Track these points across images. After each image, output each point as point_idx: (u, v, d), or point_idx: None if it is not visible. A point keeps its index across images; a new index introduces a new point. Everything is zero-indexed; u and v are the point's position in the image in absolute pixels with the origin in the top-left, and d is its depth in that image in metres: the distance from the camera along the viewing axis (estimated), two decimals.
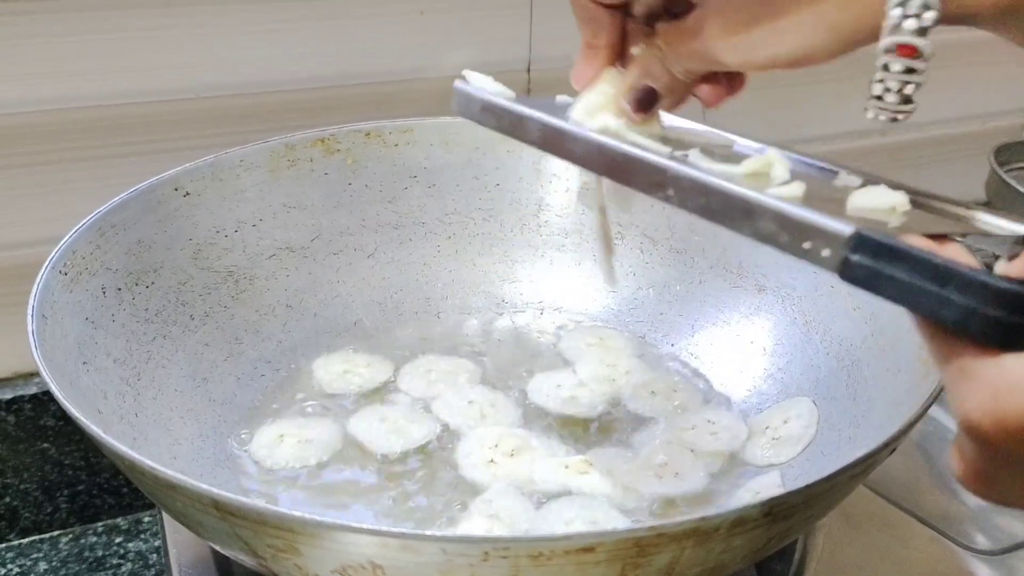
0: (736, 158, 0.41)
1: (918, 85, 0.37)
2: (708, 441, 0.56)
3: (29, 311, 0.47)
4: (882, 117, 0.38)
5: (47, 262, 0.50)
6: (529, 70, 0.75)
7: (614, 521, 0.50)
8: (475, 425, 0.57)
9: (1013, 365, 0.28)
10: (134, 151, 0.65)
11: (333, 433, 0.56)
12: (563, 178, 0.69)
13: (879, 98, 0.37)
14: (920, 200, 0.38)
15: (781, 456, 0.54)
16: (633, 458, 0.55)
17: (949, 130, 0.95)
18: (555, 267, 0.69)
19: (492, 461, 0.53)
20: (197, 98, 0.66)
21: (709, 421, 0.58)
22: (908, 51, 0.36)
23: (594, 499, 0.51)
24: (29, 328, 0.46)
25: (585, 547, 0.36)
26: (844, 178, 0.41)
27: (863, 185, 0.40)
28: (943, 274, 0.29)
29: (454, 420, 0.57)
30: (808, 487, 0.38)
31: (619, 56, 0.45)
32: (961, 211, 0.38)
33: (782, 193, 0.36)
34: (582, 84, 0.45)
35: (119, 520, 0.68)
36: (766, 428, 0.57)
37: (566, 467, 0.53)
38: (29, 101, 0.62)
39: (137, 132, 0.65)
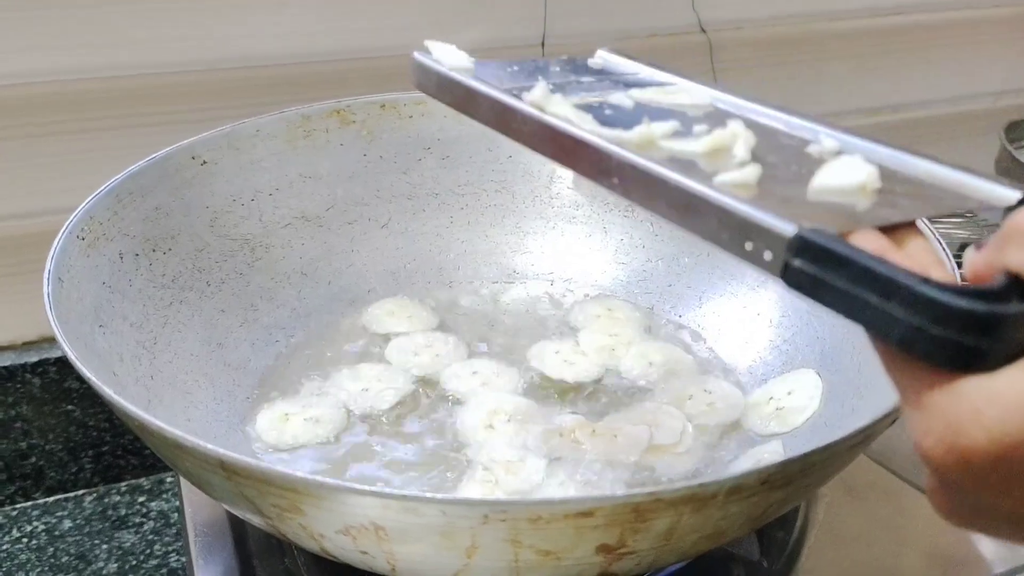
0: (706, 129, 0.36)
1: None
2: (705, 412, 0.55)
3: (45, 274, 0.46)
4: None
5: (64, 226, 0.50)
6: (543, 44, 0.74)
7: (610, 486, 0.49)
8: (478, 392, 0.56)
9: (970, 391, 0.24)
10: (151, 122, 0.65)
11: (338, 410, 0.55)
12: None
13: None
14: (912, 166, 0.35)
15: (784, 426, 0.53)
16: (627, 426, 0.54)
17: (959, 107, 0.92)
18: (566, 238, 0.68)
19: (491, 427, 0.53)
20: (213, 69, 0.66)
21: (706, 391, 0.57)
22: None
23: (591, 464, 0.51)
24: (45, 291, 0.45)
25: (583, 511, 0.35)
26: (823, 142, 0.36)
27: (839, 154, 0.35)
28: (886, 286, 0.25)
29: (459, 388, 0.56)
30: (805, 456, 0.38)
31: None
32: (960, 176, 0.34)
33: (733, 179, 0.32)
34: None
35: (142, 480, 0.68)
36: (770, 398, 0.55)
37: (560, 435, 0.52)
38: (46, 71, 0.62)
39: (154, 103, 0.65)
